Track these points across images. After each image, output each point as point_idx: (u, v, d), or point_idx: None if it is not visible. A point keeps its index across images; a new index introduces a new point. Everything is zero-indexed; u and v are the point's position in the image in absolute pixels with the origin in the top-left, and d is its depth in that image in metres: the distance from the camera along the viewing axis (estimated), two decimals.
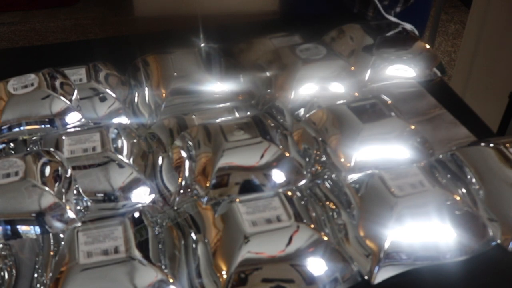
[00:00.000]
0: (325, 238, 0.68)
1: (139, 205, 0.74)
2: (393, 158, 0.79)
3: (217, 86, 0.96)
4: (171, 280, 0.63)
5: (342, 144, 0.81)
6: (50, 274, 0.63)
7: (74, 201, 0.71)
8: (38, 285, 0.64)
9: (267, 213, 0.68)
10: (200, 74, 0.97)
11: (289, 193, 0.73)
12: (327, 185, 0.78)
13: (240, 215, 0.68)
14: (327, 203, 0.75)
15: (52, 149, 0.76)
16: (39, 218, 0.66)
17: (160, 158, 0.83)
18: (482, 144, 0.83)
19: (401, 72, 1.03)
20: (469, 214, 0.72)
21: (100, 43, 1.45)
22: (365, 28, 1.09)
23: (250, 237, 0.65)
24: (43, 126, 0.85)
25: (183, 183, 0.77)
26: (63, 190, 0.69)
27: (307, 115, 0.89)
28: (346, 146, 0.80)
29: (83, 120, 0.88)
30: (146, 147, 0.85)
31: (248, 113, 0.92)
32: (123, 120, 0.91)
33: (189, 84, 0.95)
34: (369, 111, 0.84)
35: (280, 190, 0.74)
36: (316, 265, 0.65)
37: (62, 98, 0.87)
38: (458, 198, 0.72)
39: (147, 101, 0.96)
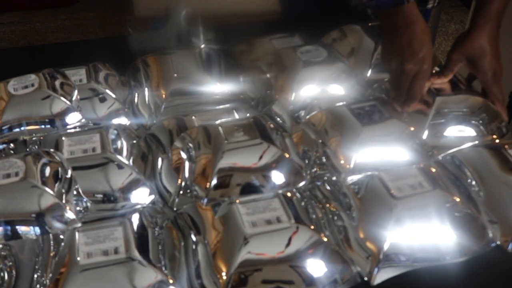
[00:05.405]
0: (325, 239, 0.68)
1: (139, 206, 0.74)
2: (393, 160, 0.79)
3: (217, 87, 0.96)
4: (171, 281, 0.63)
5: (341, 146, 0.81)
6: (50, 275, 0.63)
7: (74, 202, 0.71)
8: (38, 286, 0.64)
9: (267, 214, 0.68)
10: (200, 75, 0.97)
11: (289, 194, 0.73)
12: (327, 186, 0.78)
13: (240, 216, 0.68)
14: (327, 204, 0.75)
15: (52, 150, 0.76)
16: (39, 218, 0.66)
17: (159, 159, 0.83)
18: (482, 145, 0.83)
19: None
20: (469, 216, 0.72)
21: (100, 43, 1.45)
22: (365, 30, 1.09)
23: (250, 238, 0.65)
24: (43, 126, 0.85)
25: (183, 184, 0.77)
26: (63, 191, 0.69)
27: (307, 117, 0.89)
28: (346, 147, 0.80)
29: (83, 120, 0.88)
30: (146, 148, 0.85)
31: (248, 114, 0.92)
32: (123, 121, 0.91)
33: (189, 85, 0.95)
34: (369, 113, 0.84)
35: (280, 191, 0.74)
36: (316, 266, 0.65)
37: (63, 98, 0.87)
38: (457, 199, 0.72)
39: (147, 102, 0.96)
